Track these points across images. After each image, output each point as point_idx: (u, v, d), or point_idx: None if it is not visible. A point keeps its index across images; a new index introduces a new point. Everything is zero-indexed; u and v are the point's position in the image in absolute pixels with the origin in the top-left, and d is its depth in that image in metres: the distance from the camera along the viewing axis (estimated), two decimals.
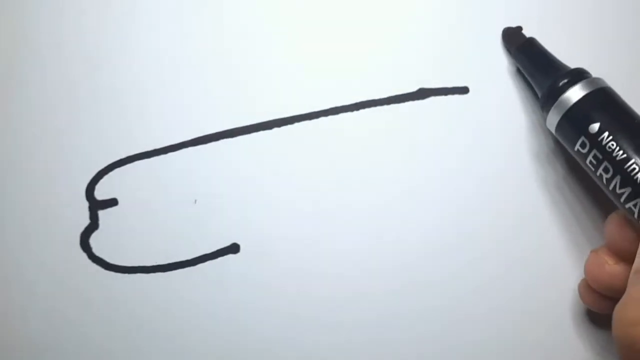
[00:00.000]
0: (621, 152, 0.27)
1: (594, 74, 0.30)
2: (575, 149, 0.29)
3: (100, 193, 0.35)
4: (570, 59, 0.33)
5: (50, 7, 0.36)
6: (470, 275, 0.34)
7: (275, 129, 0.35)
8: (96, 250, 0.35)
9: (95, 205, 0.35)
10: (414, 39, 0.35)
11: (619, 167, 0.27)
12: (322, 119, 0.35)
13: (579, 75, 0.30)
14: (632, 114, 0.28)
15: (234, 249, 0.34)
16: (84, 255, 0.35)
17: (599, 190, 0.30)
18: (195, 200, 0.35)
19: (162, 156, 0.35)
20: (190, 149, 0.35)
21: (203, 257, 0.34)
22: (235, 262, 0.34)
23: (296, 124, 0.35)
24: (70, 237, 0.35)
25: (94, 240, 0.35)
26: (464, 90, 0.35)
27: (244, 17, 0.35)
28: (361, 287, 0.34)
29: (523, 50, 0.33)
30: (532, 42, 0.33)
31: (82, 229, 0.35)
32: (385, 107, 0.35)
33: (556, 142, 0.33)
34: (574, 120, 0.29)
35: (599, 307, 0.30)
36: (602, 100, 0.29)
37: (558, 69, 0.31)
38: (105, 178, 0.35)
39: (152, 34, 0.36)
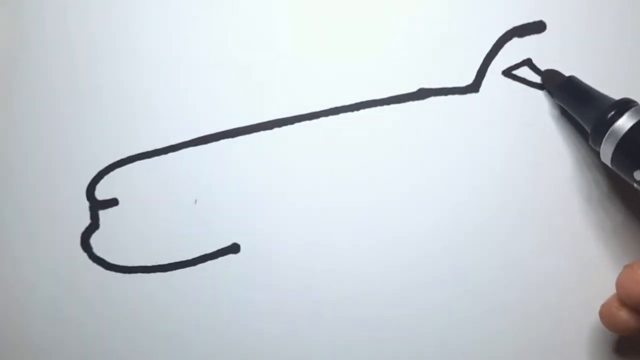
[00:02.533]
0: None
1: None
2: (636, 179, 0.29)
3: (101, 193, 0.35)
4: (575, 56, 0.33)
5: (53, 6, 0.36)
6: (470, 276, 0.34)
7: (275, 129, 0.35)
8: (97, 250, 0.35)
9: (96, 205, 0.35)
10: (414, 39, 0.35)
11: None
12: (322, 119, 0.35)
13: (625, 104, 0.29)
14: None
15: (234, 249, 0.34)
16: (85, 255, 0.35)
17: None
18: (196, 200, 0.35)
19: (162, 156, 0.35)
20: (190, 149, 0.35)
21: (203, 257, 0.34)
22: (235, 262, 0.34)
23: (296, 124, 0.35)
24: (70, 237, 0.35)
25: (95, 240, 0.35)
26: (464, 90, 0.34)
27: (245, 18, 0.35)
28: (361, 287, 0.34)
29: (564, 89, 0.33)
30: (572, 80, 0.33)
31: (82, 229, 0.35)
32: (385, 107, 0.35)
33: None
34: (628, 150, 0.29)
35: (628, 326, 0.29)
36: None
37: (603, 101, 0.30)
38: (106, 178, 0.35)
39: (153, 35, 0.36)
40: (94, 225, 0.35)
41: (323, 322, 0.34)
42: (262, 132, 0.35)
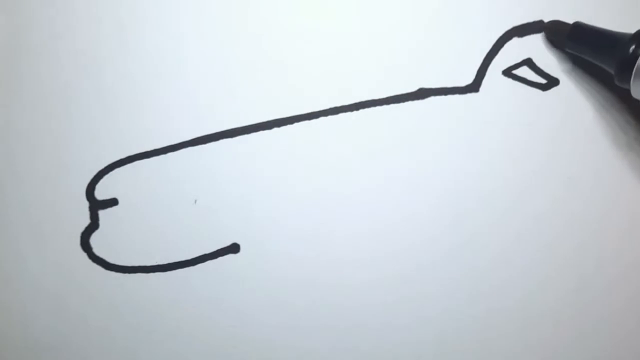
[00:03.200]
0: None
1: None
2: None
3: (101, 193, 0.35)
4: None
5: (50, 7, 0.36)
6: (470, 275, 0.34)
7: (275, 129, 0.35)
8: (96, 250, 0.35)
9: (96, 205, 0.35)
10: (414, 39, 0.35)
11: None
12: (322, 119, 0.35)
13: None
14: None
15: (234, 249, 0.34)
16: (85, 255, 0.35)
17: None
18: (195, 200, 0.35)
19: (162, 156, 0.35)
20: (190, 149, 0.35)
21: (203, 257, 0.34)
22: (235, 262, 0.34)
23: (296, 124, 0.35)
24: (70, 237, 0.35)
25: (95, 240, 0.35)
26: (464, 90, 0.34)
27: (245, 18, 0.35)
28: (361, 287, 0.34)
29: (574, 37, 0.32)
30: (579, 25, 0.32)
31: (82, 229, 0.35)
32: (385, 107, 0.35)
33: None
34: None
35: None
36: None
37: (619, 38, 0.30)
38: (106, 178, 0.35)
39: (153, 35, 0.36)
40: (94, 225, 0.35)
41: (323, 322, 0.34)
42: (262, 132, 0.35)
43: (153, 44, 0.36)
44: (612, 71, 0.30)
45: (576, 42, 0.32)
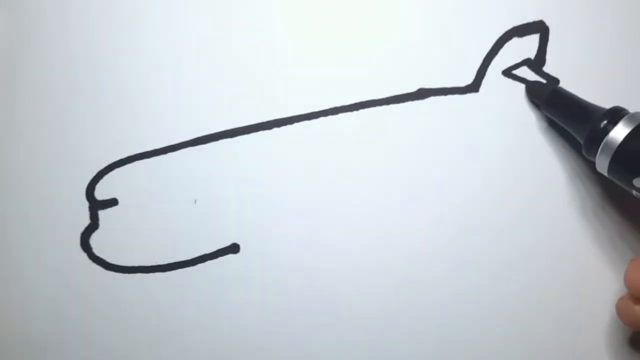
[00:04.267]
0: None
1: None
2: (636, 186, 0.28)
3: (101, 193, 0.35)
4: (575, 55, 0.33)
5: (53, 5, 0.36)
6: (469, 274, 0.34)
7: (275, 129, 0.35)
8: (96, 250, 0.35)
9: (96, 205, 0.35)
10: (414, 39, 0.35)
11: None
12: (322, 119, 0.35)
13: (617, 113, 0.29)
14: None
15: (234, 249, 0.34)
16: (84, 255, 0.35)
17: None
18: (195, 200, 0.35)
19: (162, 156, 0.35)
20: (190, 149, 0.35)
21: (203, 257, 0.35)
22: (235, 262, 0.34)
23: (296, 124, 0.35)
24: (70, 237, 0.35)
25: (94, 240, 0.35)
26: (464, 90, 0.34)
27: (245, 18, 0.35)
28: (361, 287, 0.34)
29: (552, 102, 0.32)
30: (558, 91, 0.32)
31: (82, 229, 0.35)
32: (385, 107, 0.35)
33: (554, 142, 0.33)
34: (626, 159, 0.28)
35: None
36: None
37: (593, 111, 0.30)
38: (106, 178, 0.35)
39: (153, 35, 0.36)
40: (93, 225, 0.35)
41: (323, 322, 0.34)
42: (262, 132, 0.35)
43: (153, 44, 0.36)
44: (582, 141, 0.30)
45: (553, 107, 0.32)
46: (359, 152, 0.35)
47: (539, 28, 0.34)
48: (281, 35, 0.35)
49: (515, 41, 0.34)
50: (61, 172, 0.35)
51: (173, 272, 0.34)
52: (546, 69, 0.34)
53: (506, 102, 0.34)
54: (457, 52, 0.35)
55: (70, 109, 0.35)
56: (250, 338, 0.34)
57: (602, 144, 0.29)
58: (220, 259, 0.34)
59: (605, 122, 0.29)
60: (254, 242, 0.34)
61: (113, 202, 0.35)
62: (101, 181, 0.35)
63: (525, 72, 0.34)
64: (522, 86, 0.34)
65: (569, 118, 0.32)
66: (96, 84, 0.35)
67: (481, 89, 0.34)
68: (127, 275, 0.35)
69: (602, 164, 0.29)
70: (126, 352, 0.34)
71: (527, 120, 0.34)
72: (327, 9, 0.35)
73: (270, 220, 0.34)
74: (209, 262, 0.34)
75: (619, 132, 0.28)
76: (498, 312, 0.33)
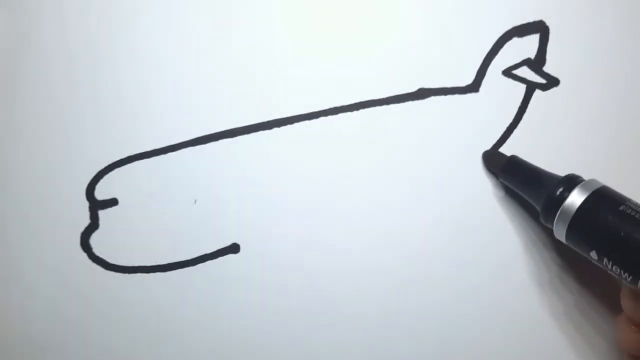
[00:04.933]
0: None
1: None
2: (590, 254, 0.28)
3: (101, 193, 0.35)
4: (575, 55, 0.33)
5: (53, 6, 0.36)
6: (470, 274, 0.34)
7: (275, 129, 0.35)
8: (96, 250, 0.35)
9: (96, 205, 0.35)
10: (414, 39, 0.35)
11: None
12: (322, 119, 0.35)
13: (573, 180, 0.29)
14: (637, 209, 0.27)
15: (234, 249, 0.34)
16: (84, 255, 0.35)
17: None
18: (195, 200, 0.35)
19: (162, 156, 0.35)
20: (190, 149, 0.35)
21: (203, 257, 0.34)
22: (235, 262, 0.34)
23: (296, 124, 0.35)
24: (70, 237, 0.35)
25: (94, 240, 0.35)
26: (464, 90, 0.34)
27: (245, 18, 0.35)
28: (361, 287, 0.34)
29: (508, 170, 0.33)
30: (514, 160, 0.33)
31: (82, 229, 0.35)
32: (385, 107, 0.35)
33: None
34: (582, 227, 0.28)
35: None
36: (601, 201, 0.28)
37: (549, 178, 0.31)
38: (106, 178, 0.35)
39: (153, 35, 0.36)
40: (93, 225, 0.35)
41: (323, 322, 0.34)
42: (262, 132, 0.35)
43: (153, 44, 0.36)
44: (539, 208, 0.31)
45: (509, 175, 0.33)
46: (359, 152, 0.35)
47: (539, 28, 0.34)
48: (281, 35, 0.35)
49: (515, 41, 0.34)
50: (61, 172, 0.35)
51: (173, 272, 0.34)
52: (546, 69, 0.34)
53: (506, 102, 0.34)
54: (457, 52, 0.35)
55: (70, 109, 0.35)
56: (250, 338, 0.34)
57: (559, 211, 0.29)
58: (220, 259, 0.34)
59: (561, 189, 0.29)
60: (254, 242, 0.34)
61: (113, 202, 0.35)
62: (101, 181, 0.35)
63: (525, 72, 0.34)
64: (522, 86, 0.34)
65: (525, 186, 0.32)
66: (96, 84, 0.35)
67: (481, 89, 0.34)
68: (127, 275, 0.35)
69: (560, 231, 0.29)
70: (126, 352, 0.34)
71: (527, 120, 0.34)
72: (327, 9, 0.35)
73: (270, 220, 0.34)
74: (209, 262, 0.34)
75: (575, 200, 0.29)
76: (498, 312, 0.33)
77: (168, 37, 0.35)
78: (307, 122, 0.35)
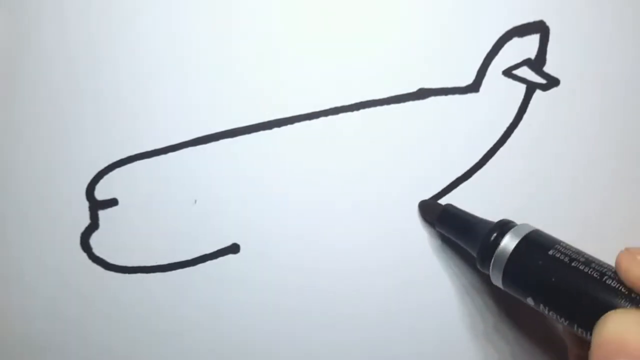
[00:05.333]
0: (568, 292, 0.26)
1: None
2: (527, 300, 0.28)
3: (101, 193, 0.35)
4: (575, 55, 0.33)
5: (53, 7, 0.36)
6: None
7: (275, 129, 0.35)
8: (96, 250, 0.35)
9: (96, 206, 0.35)
10: (414, 39, 0.35)
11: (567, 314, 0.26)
12: (322, 119, 0.35)
13: (505, 226, 0.29)
14: (566, 252, 0.27)
15: (234, 249, 0.34)
16: (84, 255, 0.35)
17: None
18: (195, 200, 0.35)
19: (162, 156, 0.35)
20: (190, 149, 0.35)
21: (203, 257, 0.34)
22: (235, 262, 0.34)
23: (296, 124, 0.35)
24: (70, 237, 0.35)
25: (94, 240, 0.35)
26: (464, 90, 0.34)
27: (244, 18, 0.35)
28: (361, 287, 0.34)
29: (444, 219, 0.33)
30: (449, 209, 0.33)
31: (82, 229, 0.35)
32: (385, 107, 0.35)
33: None
34: (516, 272, 0.28)
35: None
36: (532, 246, 0.28)
37: (483, 225, 0.31)
38: (106, 178, 0.35)
39: (153, 35, 0.35)
40: (93, 225, 0.35)
41: (323, 322, 0.34)
42: (262, 132, 0.35)
43: (153, 44, 0.35)
44: (475, 255, 0.31)
45: (445, 224, 0.33)
46: (359, 152, 0.35)
47: (539, 28, 0.34)
48: (281, 35, 0.35)
49: (515, 41, 0.34)
50: (61, 172, 0.35)
51: (173, 272, 0.34)
52: (546, 69, 0.34)
53: (506, 102, 0.34)
54: (457, 52, 0.35)
55: (70, 109, 0.35)
56: (250, 338, 0.34)
57: (493, 257, 0.29)
58: (220, 259, 0.34)
59: (495, 234, 0.29)
60: (254, 242, 0.34)
61: (113, 202, 0.35)
62: (101, 181, 0.35)
63: (525, 72, 0.34)
64: (523, 86, 0.34)
65: (460, 232, 0.32)
66: (96, 84, 0.35)
67: (481, 89, 0.34)
68: (127, 275, 0.35)
69: (496, 277, 0.29)
70: (126, 352, 0.34)
71: (527, 120, 0.34)
72: (327, 9, 0.35)
73: (270, 220, 0.34)
74: (209, 262, 0.34)
75: (508, 245, 0.29)
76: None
77: (168, 37, 0.35)
78: (307, 122, 0.35)
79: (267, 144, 0.35)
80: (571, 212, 0.34)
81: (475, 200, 0.34)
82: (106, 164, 0.35)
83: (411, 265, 0.34)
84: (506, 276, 0.29)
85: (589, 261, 0.26)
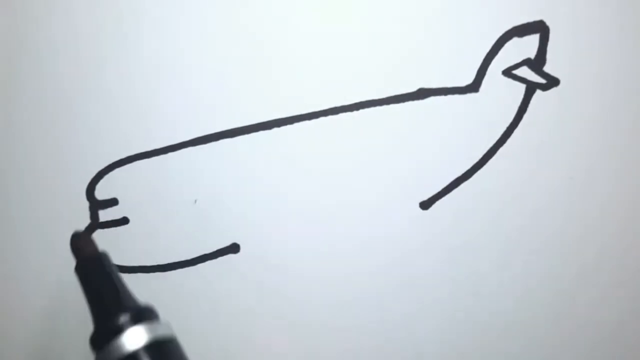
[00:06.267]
0: None
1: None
2: None
3: (101, 193, 0.35)
4: (575, 55, 0.33)
5: (50, 8, 0.36)
6: (470, 274, 0.34)
7: (275, 129, 0.35)
8: None
9: (96, 205, 0.35)
10: (414, 38, 0.35)
11: None
12: (322, 119, 0.35)
13: (144, 314, 0.25)
14: None
15: (234, 249, 0.34)
16: None
17: None
18: (195, 200, 0.35)
19: (162, 156, 0.35)
20: (190, 149, 0.35)
21: (203, 257, 0.35)
22: (235, 262, 0.34)
23: (296, 124, 0.35)
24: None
25: (95, 240, 0.35)
26: (464, 90, 0.34)
27: (244, 18, 0.35)
28: (361, 287, 0.34)
29: (89, 265, 0.26)
30: (103, 258, 0.27)
31: (82, 228, 0.35)
32: (385, 107, 0.35)
33: None
34: None
35: None
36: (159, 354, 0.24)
37: (126, 299, 0.25)
38: (106, 178, 0.35)
39: (152, 35, 0.35)
40: (94, 225, 0.35)
41: (322, 322, 0.34)
42: (262, 132, 0.35)
43: (153, 44, 0.35)
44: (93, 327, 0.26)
45: (87, 271, 0.27)
46: (358, 152, 0.34)
47: (539, 28, 0.34)
48: (281, 36, 0.35)
49: (515, 41, 0.34)
50: (62, 173, 0.35)
51: (173, 272, 0.34)
52: (546, 69, 0.34)
53: (506, 102, 0.34)
54: (457, 52, 0.35)
55: (70, 109, 0.35)
56: (249, 338, 0.34)
57: (110, 344, 0.24)
58: (220, 259, 0.34)
59: (127, 318, 0.24)
60: (254, 242, 0.34)
61: (113, 202, 0.35)
62: (101, 181, 0.35)
63: (525, 72, 0.34)
64: (523, 86, 0.34)
65: (97, 293, 0.26)
66: (96, 84, 0.35)
67: (481, 89, 0.34)
68: (127, 275, 0.34)
69: None
70: None
71: (527, 120, 0.34)
72: (327, 9, 0.35)
73: (270, 220, 0.34)
74: (209, 262, 0.34)
75: (133, 339, 0.24)
76: (498, 312, 0.33)
77: (169, 37, 0.35)
78: (307, 122, 0.35)
79: (267, 144, 0.35)
80: (571, 212, 0.34)
81: (475, 200, 0.34)
82: (106, 164, 0.35)
83: (411, 265, 0.34)
84: None
85: None
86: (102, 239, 0.35)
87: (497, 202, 0.34)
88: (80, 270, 0.27)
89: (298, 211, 0.34)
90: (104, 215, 0.35)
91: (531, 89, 0.34)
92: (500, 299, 0.33)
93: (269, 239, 0.34)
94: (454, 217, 0.34)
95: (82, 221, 0.35)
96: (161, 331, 0.24)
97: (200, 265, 0.34)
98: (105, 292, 0.26)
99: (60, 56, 0.36)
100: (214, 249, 0.35)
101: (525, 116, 0.34)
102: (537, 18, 0.34)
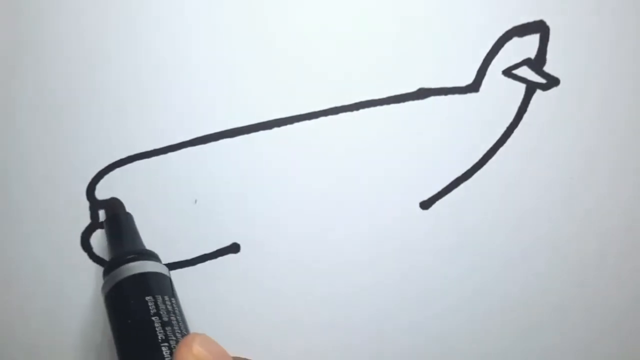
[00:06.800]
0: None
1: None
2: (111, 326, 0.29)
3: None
4: (575, 55, 0.33)
5: (50, 7, 0.36)
6: (470, 274, 0.34)
7: (275, 129, 0.35)
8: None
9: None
10: (414, 38, 0.35)
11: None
12: (322, 119, 0.35)
13: (147, 255, 0.31)
14: (160, 306, 0.28)
15: (234, 248, 0.34)
16: (85, 255, 0.35)
17: None
18: (195, 200, 0.35)
19: (162, 156, 0.35)
20: (190, 149, 0.35)
21: (203, 257, 0.35)
22: (235, 262, 0.34)
23: (296, 124, 0.35)
24: (70, 236, 0.35)
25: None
26: (464, 90, 0.34)
27: (244, 17, 0.35)
28: (362, 287, 0.34)
29: (116, 218, 0.33)
30: (128, 215, 0.34)
31: (82, 228, 0.35)
32: (385, 107, 0.35)
33: None
34: (118, 295, 0.29)
35: None
36: (142, 282, 0.29)
37: (138, 244, 0.32)
38: (106, 178, 0.35)
39: (152, 34, 0.35)
40: (94, 225, 0.35)
41: (323, 322, 0.34)
42: (262, 132, 0.35)
43: (153, 44, 0.35)
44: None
45: (114, 224, 0.34)
46: (358, 152, 0.35)
47: (539, 28, 0.34)
48: (281, 35, 0.35)
49: (515, 41, 0.34)
50: (62, 172, 0.35)
51: (173, 272, 0.34)
52: (546, 69, 0.34)
53: (506, 102, 0.34)
54: (457, 52, 0.35)
55: (70, 108, 0.35)
56: (250, 338, 0.34)
57: (116, 270, 0.29)
58: (220, 259, 0.34)
59: (132, 255, 0.30)
60: (254, 242, 0.34)
61: None
62: (101, 181, 0.35)
63: (525, 72, 0.34)
64: (523, 86, 0.34)
65: (117, 239, 0.33)
66: (96, 84, 0.35)
67: (481, 89, 0.34)
68: None
69: (106, 287, 0.30)
70: None
71: (527, 120, 0.34)
72: (327, 8, 0.35)
73: (270, 220, 0.34)
74: (208, 262, 0.34)
75: (131, 269, 0.29)
76: (498, 311, 0.33)
77: (168, 37, 0.35)
78: (307, 122, 0.35)
79: (267, 144, 0.35)
80: (571, 212, 0.34)
81: (475, 200, 0.34)
82: (106, 164, 0.35)
83: (411, 265, 0.34)
84: (110, 294, 0.29)
85: (170, 323, 0.27)
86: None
87: (497, 202, 0.34)
88: (109, 221, 0.34)
89: (298, 211, 0.34)
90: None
91: (531, 89, 0.34)
92: (500, 298, 0.33)
93: (268, 239, 0.34)
94: (454, 217, 0.34)
95: (82, 221, 0.35)
96: (152, 267, 0.30)
97: (200, 265, 0.34)
98: (124, 236, 0.32)
99: (60, 56, 0.36)
100: (214, 249, 0.35)
101: (525, 116, 0.34)
102: (537, 18, 0.34)
